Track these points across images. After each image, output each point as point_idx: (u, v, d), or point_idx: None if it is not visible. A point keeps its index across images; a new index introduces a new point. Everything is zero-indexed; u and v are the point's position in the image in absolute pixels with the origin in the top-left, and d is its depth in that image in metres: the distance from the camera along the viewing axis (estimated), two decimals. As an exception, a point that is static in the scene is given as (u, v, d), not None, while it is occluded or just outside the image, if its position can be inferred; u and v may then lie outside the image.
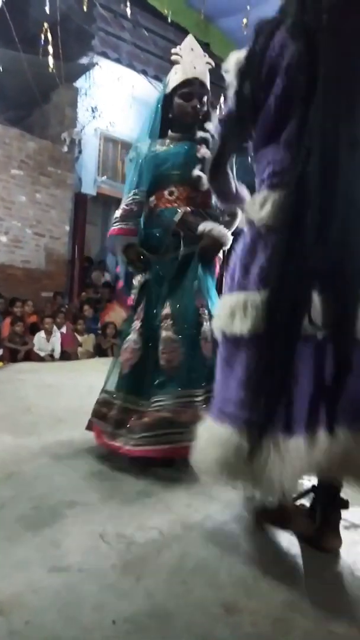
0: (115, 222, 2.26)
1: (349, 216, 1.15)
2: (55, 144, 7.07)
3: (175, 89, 2.21)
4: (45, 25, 4.97)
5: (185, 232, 2.17)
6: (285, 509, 1.43)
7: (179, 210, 2.17)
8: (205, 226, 2.16)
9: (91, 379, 3.98)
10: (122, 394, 2.11)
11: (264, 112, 1.29)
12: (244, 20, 4.71)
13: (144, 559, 1.31)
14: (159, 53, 6.90)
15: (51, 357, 5.69)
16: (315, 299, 1.18)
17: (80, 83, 7.15)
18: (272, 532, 1.51)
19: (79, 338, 6.19)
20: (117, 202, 2.43)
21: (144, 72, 6.94)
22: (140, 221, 2.22)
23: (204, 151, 2.20)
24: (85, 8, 5.23)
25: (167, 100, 2.25)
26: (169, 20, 5.51)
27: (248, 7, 4.79)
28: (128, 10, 4.98)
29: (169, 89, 2.24)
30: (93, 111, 7.30)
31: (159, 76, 6.72)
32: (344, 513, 1.70)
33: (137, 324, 2.16)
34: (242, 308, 1.28)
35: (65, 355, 5.78)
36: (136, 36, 6.79)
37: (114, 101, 7.16)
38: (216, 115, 1.77)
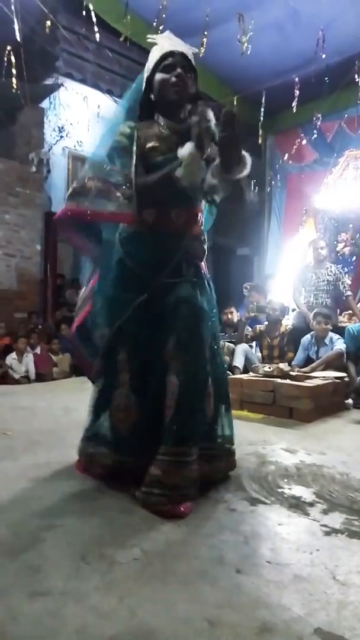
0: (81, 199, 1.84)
1: None
2: (22, 164, 7.05)
3: (155, 68, 1.93)
4: (8, 47, 4.99)
5: (188, 261, 1.95)
6: None
7: (185, 238, 1.93)
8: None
9: (66, 399, 3.95)
10: (126, 456, 1.91)
11: None
12: (203, 41, 4.83)
13: (127, 578, 1.29)
14: (123, 73, 7.00)
15: (26, 379, 5.60)
16: None
17: (46, 103, 7.18)
18: (257, 542, 1.52)
19: (55, 358, 6.12)
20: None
21: (110, 92, 7.03)
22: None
23: (209, 151, 1.74)
24: (47, 30, 5.28)
25: (148, 85, 1.96)
26: (127, 43, 5.60)
27: (205, 33, 4.93)
28: (97, 36, 5.02)
29: (149, 71, 1.95)
30: (60, 131, 7.32)
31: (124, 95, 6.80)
32: (324, 518, 1.72)
33: (124, 377, 1.90)
34: None
35: (40, 377, 5.70)
36: (100, 57, 6.88)
37: (81, 121, 7.21)
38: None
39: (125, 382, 1.90)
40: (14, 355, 5.64)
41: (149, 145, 1.88)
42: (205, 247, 2.06)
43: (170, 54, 1.90)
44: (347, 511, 1.79)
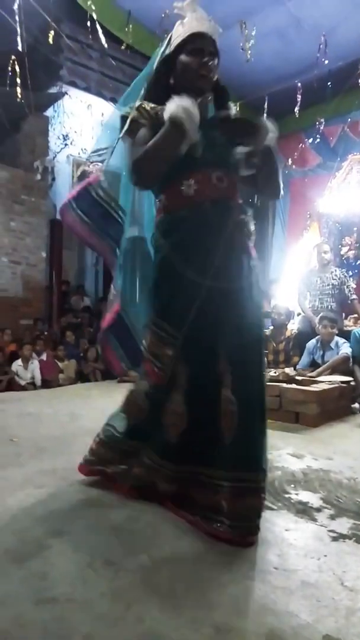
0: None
1: None
2: (27, 173, 7.11)
3: (179, 47, 1.72)
4: (13, 56, 5.04)
5: (238, 237, 1.71)
6: None
7: (232, 207, 1.71)
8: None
9: (72, 406, 3.95)
10: (172, 464, 1.76)
11: None
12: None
13: (134, 585, 1.29)
14: (127, 81, 7.05)
15: (32, 386, 5.62)
16: None
17: (50, 112, 7.25)
18: (264, 548, 1.51)
19: (60, 364, 6.13)
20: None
21: (113, 100, 7.07)
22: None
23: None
24: (51, 39, 5.33)
25: (167, 63, 1.77)
26: (128, 51, 5.64)
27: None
28: (104, 43, 5.06)
29: (172, 47, 1.75)
30: (64, 139, 7.38)
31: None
32: (332, 524, 1.71)
33: (182, 380, 1.72)
34: None
35: (46, 383, 5.71)
36: (104, 65, 6.94)
37: (85, 129, 7.27)
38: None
39: (182, 385, 1.73)
40: (19, 362, 5.66)
41: None
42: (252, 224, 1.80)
43: (200, 35, 1.71)
44: (354, 516, 1.77)
